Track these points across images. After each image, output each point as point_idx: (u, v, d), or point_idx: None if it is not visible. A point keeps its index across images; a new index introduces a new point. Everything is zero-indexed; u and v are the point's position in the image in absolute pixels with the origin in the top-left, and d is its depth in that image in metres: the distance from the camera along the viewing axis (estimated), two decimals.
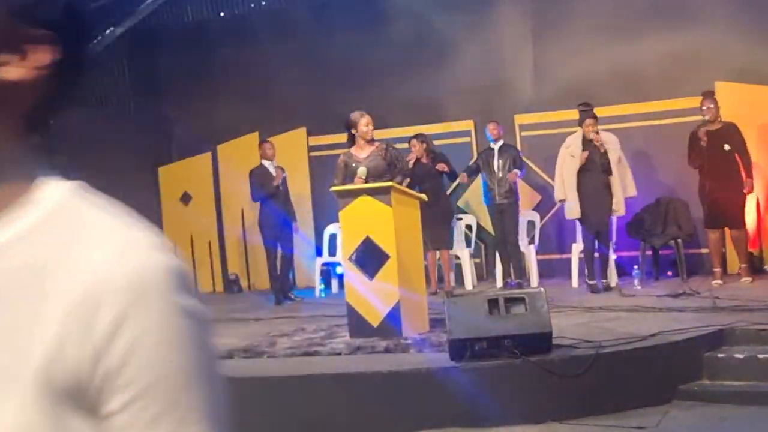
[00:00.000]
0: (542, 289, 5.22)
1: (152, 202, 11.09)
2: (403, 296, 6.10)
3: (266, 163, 9.27)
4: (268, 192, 9.10)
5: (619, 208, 8.34)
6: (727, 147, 8.01)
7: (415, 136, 9.03)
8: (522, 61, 10.06)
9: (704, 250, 9.11)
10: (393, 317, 6.10)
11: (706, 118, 8.05)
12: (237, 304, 9.35)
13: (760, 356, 5.31)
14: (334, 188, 6.43)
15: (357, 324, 6.20)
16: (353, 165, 6.73)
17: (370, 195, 6.15)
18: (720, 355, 5.45)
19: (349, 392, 5.11)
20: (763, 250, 8.96)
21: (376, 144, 6.83)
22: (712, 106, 8.05)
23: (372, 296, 6.13)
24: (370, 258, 6.14)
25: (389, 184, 6.18)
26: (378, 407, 5.06)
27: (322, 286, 9.70)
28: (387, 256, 6.09)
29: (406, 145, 8.85)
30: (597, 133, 8.28)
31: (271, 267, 9.24)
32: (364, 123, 6.77)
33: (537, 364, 5.03)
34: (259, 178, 9.20)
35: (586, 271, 8.58)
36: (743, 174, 8.07)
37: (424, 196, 6.64)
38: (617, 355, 5.20)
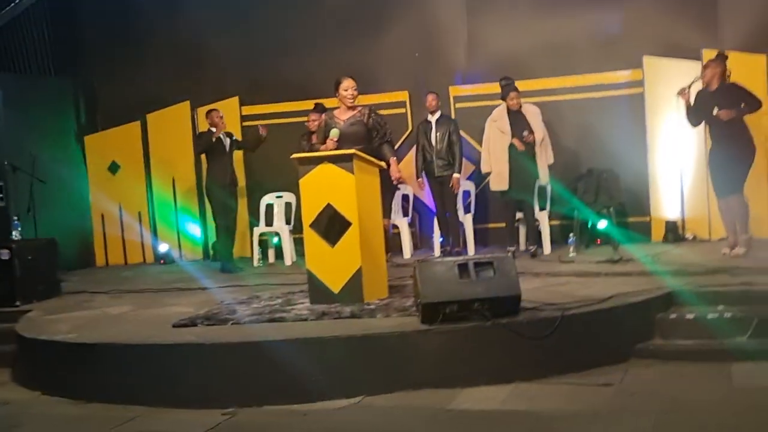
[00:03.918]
0: (510, 254, 5.35)
1: (79, 172, 10.78)
2: (365, 263, 6.16)
3: (214, 130, 9.09)
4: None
5: (543, 177, 8.72)
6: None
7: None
8: (457, 33, 10.17)
9: (632, 219, 9.52)
10: (354, 283, 6.14)
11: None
12: (175, 275, 9.21)
13: (709, 316, 5.61)
14: (294, 155, 6.40)
15: (318, 290, 6.22)
16: (332, 126, 6.74)
17: (332, 162, 6.15)
18: (671, 316, 5.74)
19: (323, 356, 5.14)
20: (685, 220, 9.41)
21: (359, 108, 6.84)
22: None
23: (333, 263, 6.17)
24: (331, 225, 6.16)
25: (351, 151, 6.18)
26: (351, 371, 5.12)
27: (260, 256, 9.65)
28: (349, 224, 6.12)
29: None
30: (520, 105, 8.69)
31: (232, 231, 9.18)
32: (343, 87, 6.80)
33: (506, 326, 5.18)
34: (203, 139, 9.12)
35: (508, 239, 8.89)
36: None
37: (383, 163, 6.67)
38: (580, 316, 5.40)
